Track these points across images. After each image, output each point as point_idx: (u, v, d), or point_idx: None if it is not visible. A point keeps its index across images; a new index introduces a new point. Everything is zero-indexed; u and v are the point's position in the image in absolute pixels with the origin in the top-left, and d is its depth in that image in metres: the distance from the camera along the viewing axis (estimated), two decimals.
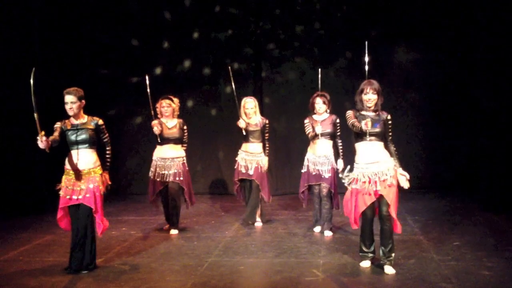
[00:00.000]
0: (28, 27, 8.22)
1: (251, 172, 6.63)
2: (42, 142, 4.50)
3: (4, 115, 7.70)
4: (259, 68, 9.46)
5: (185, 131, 6.56)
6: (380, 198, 4.71)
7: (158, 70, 9.60)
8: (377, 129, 4.67)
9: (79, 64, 9.28)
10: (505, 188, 7.55)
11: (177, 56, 9.59)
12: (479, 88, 8.34)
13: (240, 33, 9.46)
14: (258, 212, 6.84)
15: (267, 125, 6.75)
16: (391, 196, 4.64)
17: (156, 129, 6.22)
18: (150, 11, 9.47)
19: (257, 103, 6.72)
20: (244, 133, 6.53)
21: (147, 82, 6.28)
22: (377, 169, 4.66)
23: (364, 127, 4.56)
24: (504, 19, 7.66)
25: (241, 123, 6.48)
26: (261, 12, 9.36)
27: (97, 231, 5.00)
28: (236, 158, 6.79)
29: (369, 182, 4.67)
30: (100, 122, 5.04)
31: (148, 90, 6.30)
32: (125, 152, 9.39)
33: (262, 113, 7.27)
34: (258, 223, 6.82)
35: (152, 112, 6.31)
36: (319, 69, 6.37)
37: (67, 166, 4.89)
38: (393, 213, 4.67)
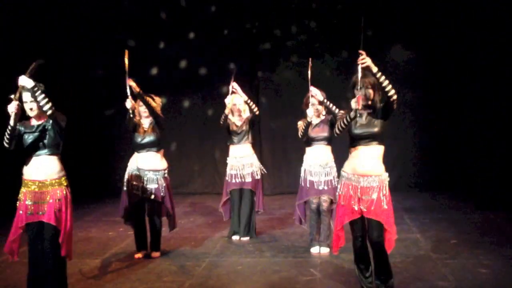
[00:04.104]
0: (25, 26, 8.21)
1: (247, 179, 6.04)
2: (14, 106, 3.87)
3: None
4: (255, 68, 9.48)
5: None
6: (368, 219, 3.92)
7: (154, 71, 9.62)
8: (375, 129, 3.90)
9: (75, 64, 9.28)
10: (502, 187, 7.56)
11: (173, 56, 9.59)
12: (477, 87, 8.36)
13: (236, 33, 9.47)
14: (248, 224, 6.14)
15: (252, 118, 6.10)
16: (383, 217, 3.87)
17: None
18: (146, 11, 9.46)
19: (245, 98, 6.08)
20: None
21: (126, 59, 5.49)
22: (366, 183, 3.91)
23: (354, 105, 3.82)
24: (503, 18, 7.67)
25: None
26: (256, 11, 9.36)
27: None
28: (227, 168, 6.18)
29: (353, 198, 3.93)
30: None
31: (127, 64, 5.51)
32: (122, 152, 9.35)
33: (259, 112, 7.20)
34: (245, 237, 6.11)
35: (128, 92, 5.34)
36: (309, 59, 5.56)
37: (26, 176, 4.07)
38: (391, 235, 3.93)
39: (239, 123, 6.10)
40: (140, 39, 9.53)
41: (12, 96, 3.92)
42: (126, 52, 5.24)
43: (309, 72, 5.35)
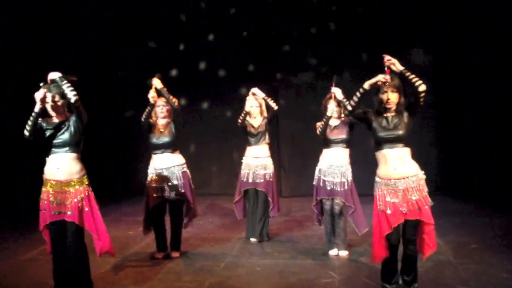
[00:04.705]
0: (47, 29, 8.35)
1: (258, 180, 6.05)
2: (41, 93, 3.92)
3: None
4: (274, 70, 9.49)
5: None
6: (407, 220, 3.96)
7: (174, 72, 9.71)
8: (400, 132, 3.92)
9: (97, 66, 9.39)
10: None
11: (193, 58, 9.66)
12: (489, 90, 8.31)
13: (255, 34, 9.50)
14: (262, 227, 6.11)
15: (271, 115, 6.08)
16: (424, 216, 3.93)
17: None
18: (166, 13, 9.56)
19: (263, 102, 6.09)
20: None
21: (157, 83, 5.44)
22: (404, 186, 3.93)
23: (383, 77, 3.85)
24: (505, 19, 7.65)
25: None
26: (276, 13, 9.38)
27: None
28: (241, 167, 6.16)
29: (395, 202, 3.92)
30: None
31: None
32: (142, 152, 9.44)
33: (278, 114, 7.20)
34: (257, 240, 6.08)
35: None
36: (334, 76, 5.57)
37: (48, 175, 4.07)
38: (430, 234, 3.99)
39: (256, 125, 6.11)
40: (160, 41, 9.64)
41: (41, 84, 3.96)
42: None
43: (332, 88, 5.37)
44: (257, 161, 6.08)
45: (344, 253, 5.40)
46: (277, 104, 6.19)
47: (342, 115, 5.45)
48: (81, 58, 9.01)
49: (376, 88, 3.97)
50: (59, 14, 8.56)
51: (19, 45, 7.86)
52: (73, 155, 4.03)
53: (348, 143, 5.43)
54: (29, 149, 4.28)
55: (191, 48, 9.67)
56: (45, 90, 3.94)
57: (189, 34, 9.62)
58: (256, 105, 6.07)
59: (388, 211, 3.93)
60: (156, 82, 5.40)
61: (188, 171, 5.54)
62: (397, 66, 3.87)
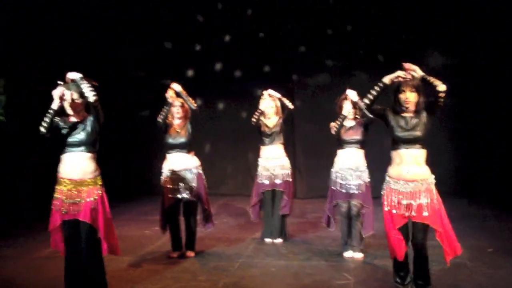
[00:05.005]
0: (64, 30, 8.46)
1: (277, 181, 6.04)
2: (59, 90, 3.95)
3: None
4: (289, 71, 9.50)
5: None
6: (414, 223, 3.98)
7: (190, 72, 9.77)
8: (418, 133, 3.93)
9: (113, 65, 9.49)
10: None
11: (209, 59, 9.71)
12: (508, 92, 8.23)
13: (271, 36, 9.52)
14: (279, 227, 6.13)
15: (287, 115, 6.11)
16: (432, 220, 3.92)
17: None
18: (183, 14, 9.62)
19: (278, 103, 6.12)
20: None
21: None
22: (413, 188, 3.92)
23: (403, 73, 3.89)
24: None
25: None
26: (292, 14, 9.38)
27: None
28: (257, 169, 6.15)
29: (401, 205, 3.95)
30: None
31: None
32: (157, 152, 9.50)
33: (293, 115, 7.22)
34: (278, 240, 6.12)
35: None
36: (347, 90, 5.43)
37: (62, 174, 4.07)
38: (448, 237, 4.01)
39: (271, 125, 6.11)
40: (176, 41, 9.70)
41: (60, 82, 4.00)
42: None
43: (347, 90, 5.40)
44: (274, 162, 6.08)
45: (359, 255, 5.39)
46: (292, 104, 6.20)
47: (357, 116, 5.45)
48: (97, 58, 9.10)
49: (395, 87, 3.97)
50: (74, 15, 8.65)
51: (19, 44, 7.89)
52: (89, 154, 4.03)
53: (362, 144, 5.40)
54: (43, 147, 4.26)
55: (207, 48, 9.71)
56: (63, 88, 3.97)
57: (205, 34, 9.67)
58: (271, 106, 6.09)
59: (394, 211, 3.96)
60: (176, 85, 5.48)
61: (202, 173, 5.57)
62: (418, 72, 3.90)
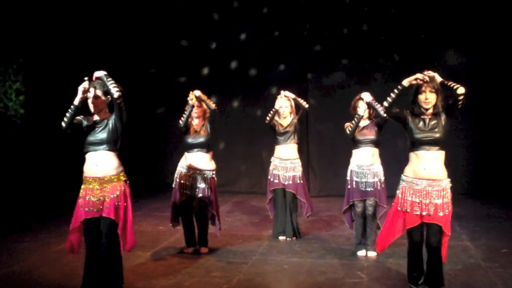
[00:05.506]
0: (83, 28, 8.57)
1: (286, 182, 6.09)
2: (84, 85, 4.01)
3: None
4: (305, 70, 9.51)
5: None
6: (429, 224, 3.98)
7: (205, 70, 9.84)
8: (437, 134, 3.95)
9: (129, 63, 9.58)
10: None
11: (224, 57, 9.77)
12: None
13: (287, 34, 9.54)
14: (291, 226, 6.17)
15: (301, 115, 6.18)
16: (444, 222, 3.93)
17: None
18: (199, 12, 9.68)
19: (293, 104, 6.19)
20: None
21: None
22: (429, 188, 3.93)
23: (422, 76, 3.91)
24: None
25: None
26: (308, 13, 9.40)
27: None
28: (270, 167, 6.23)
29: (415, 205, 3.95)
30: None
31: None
32: (172, 149, 9.61)
33: (308, 114, 7.23)
34: (290, 238, 6.15)
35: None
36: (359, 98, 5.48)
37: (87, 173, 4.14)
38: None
39: (285, 124, 6.15)
40: (192, 39, 9.77)
41: (86, 78, 4.05)
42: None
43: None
44: (285, 163, 6.13)
45: (372, 254, 5.40)
46: (307, 103, 6.24)
47: (372, 117, 5.50)
48: (113, 56, 9.20)
49: (414, 89, 4.01)
50: (92, 13, 8.76)
51: (40, 41, 8.01)
52: (111, 152, 4.09)
53: (377, 143, 5.44)
54: (67, 144, 4.35)
55: (223, 46, 9.77)
56: (88, 83, 4.02)
57: (221, 33, 9.72)
58: (286, 105, 6.13)
59: (408, 210, 3.97)
60: (197, 91, 5.55)
61: (215, 178, 5.62)
62: (437, 79, 3.95)
